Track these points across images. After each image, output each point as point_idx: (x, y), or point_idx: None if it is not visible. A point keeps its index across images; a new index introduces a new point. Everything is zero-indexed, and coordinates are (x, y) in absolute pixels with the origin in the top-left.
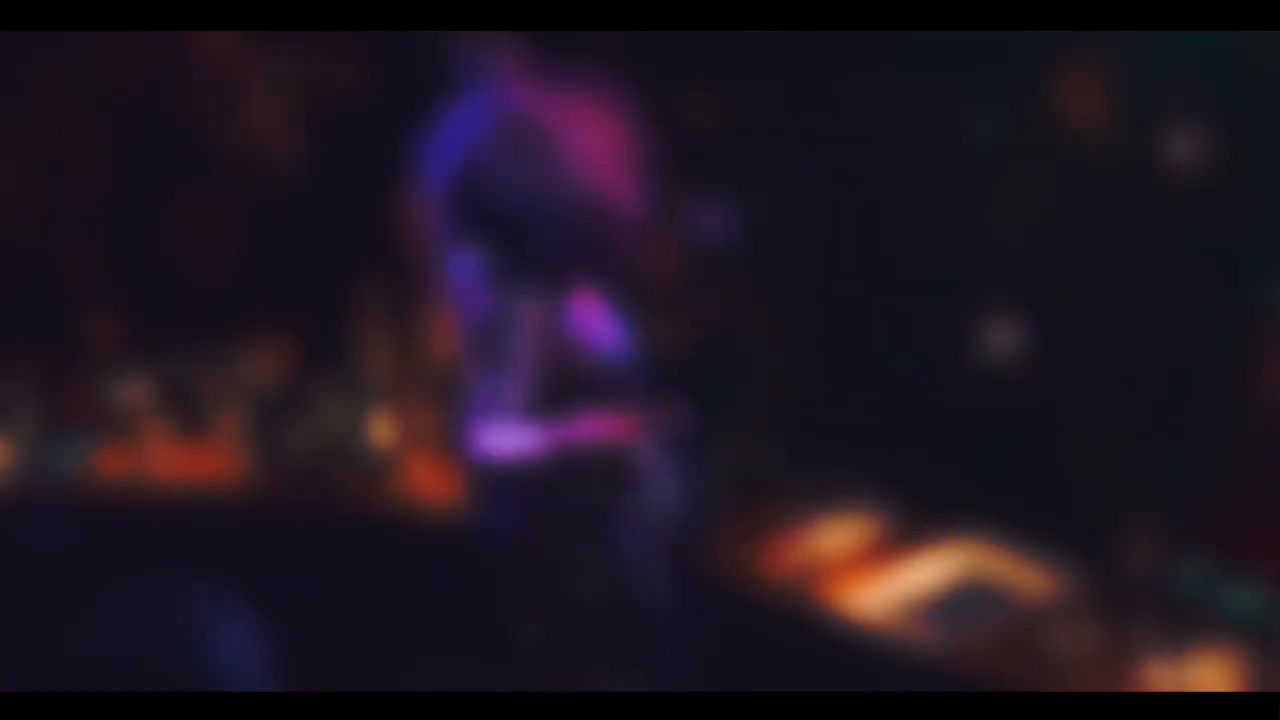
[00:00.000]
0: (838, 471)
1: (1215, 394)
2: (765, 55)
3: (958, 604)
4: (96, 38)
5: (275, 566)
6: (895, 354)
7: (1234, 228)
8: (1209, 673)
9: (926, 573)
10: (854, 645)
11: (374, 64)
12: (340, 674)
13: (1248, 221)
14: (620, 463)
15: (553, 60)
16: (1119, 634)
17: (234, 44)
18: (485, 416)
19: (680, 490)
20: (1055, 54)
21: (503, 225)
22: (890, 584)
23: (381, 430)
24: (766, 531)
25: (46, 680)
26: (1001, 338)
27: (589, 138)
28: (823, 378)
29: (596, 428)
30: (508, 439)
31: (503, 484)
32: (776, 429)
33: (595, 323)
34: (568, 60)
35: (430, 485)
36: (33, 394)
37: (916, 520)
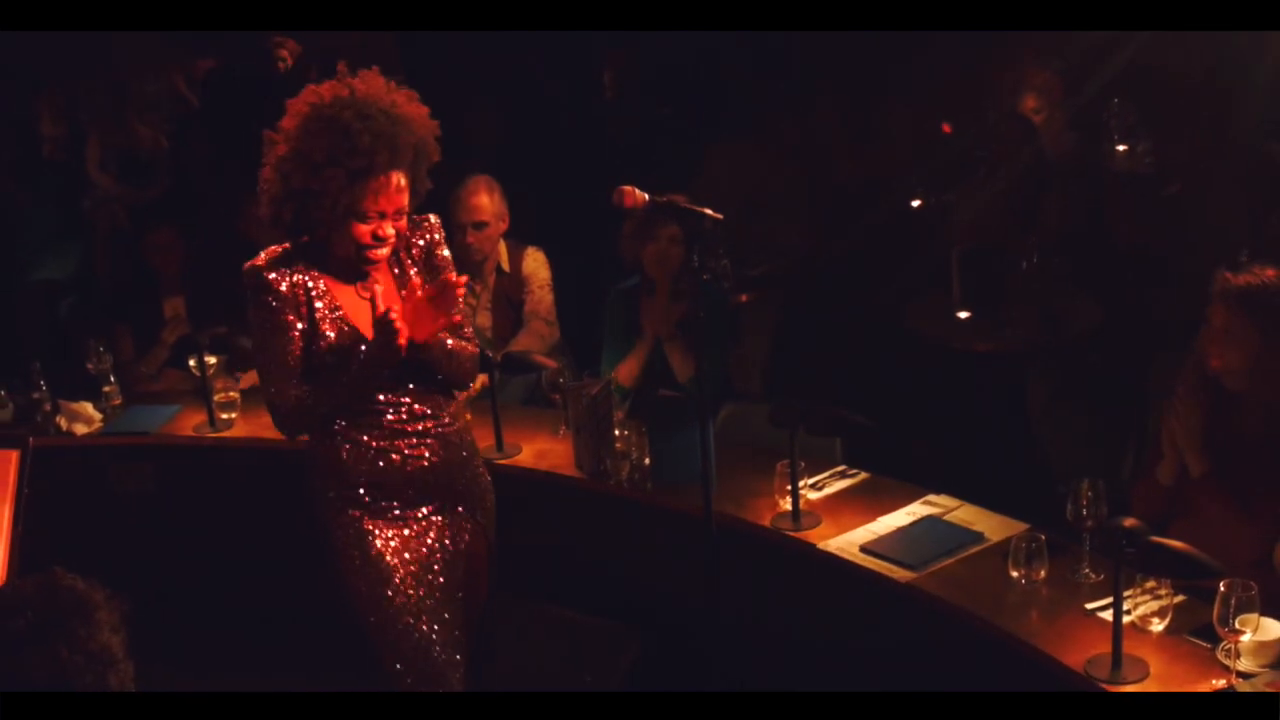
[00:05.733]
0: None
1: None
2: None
3: (921, 532)
4: None
5: None
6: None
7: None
8: (1145, 607)
9: (896, 517)
10: (833, 572)
11: None
12: None
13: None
14: None
15: None
16: (1066, 572)
17: None
18: None
19: None
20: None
21: None
22: (866, 529)
23: None
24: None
25: None
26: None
27: None
28: (807, 345)
29: None
30: None
31: None
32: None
33: None
34: None
35: None
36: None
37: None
